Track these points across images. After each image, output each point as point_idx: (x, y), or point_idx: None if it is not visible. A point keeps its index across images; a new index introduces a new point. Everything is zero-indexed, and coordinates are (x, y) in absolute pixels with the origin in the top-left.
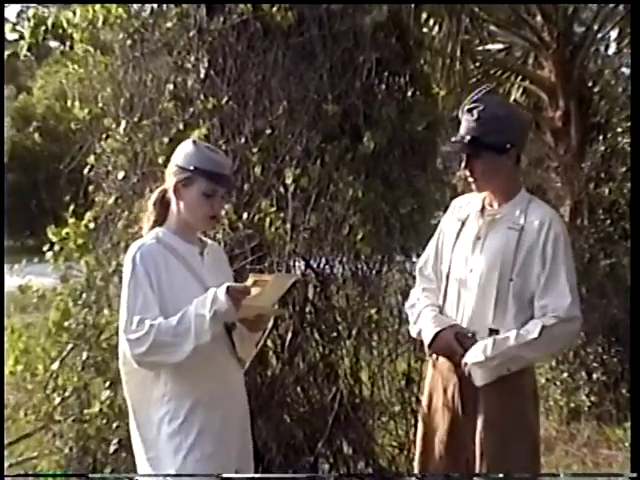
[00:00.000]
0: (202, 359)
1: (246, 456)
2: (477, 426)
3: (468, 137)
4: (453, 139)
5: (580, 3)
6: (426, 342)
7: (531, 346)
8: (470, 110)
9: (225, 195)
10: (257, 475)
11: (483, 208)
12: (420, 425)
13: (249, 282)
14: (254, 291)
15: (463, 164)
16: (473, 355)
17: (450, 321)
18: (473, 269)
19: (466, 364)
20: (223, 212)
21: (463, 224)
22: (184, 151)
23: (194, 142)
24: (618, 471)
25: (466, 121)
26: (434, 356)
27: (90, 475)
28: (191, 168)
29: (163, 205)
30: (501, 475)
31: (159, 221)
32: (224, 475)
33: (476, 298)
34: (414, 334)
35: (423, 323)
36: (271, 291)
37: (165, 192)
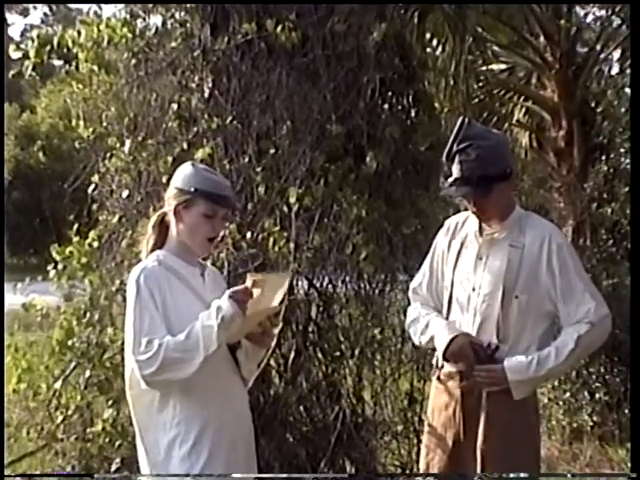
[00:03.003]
0: (210, 380)
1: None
2: (479, 441)
3: (474, 177)
4: (451, 181)
5: (580, 3)
6: (441, 347)
7: (570, 357)
8: (463, 150)
9: (226, 216)
10: (264, 475)
11: (481, 227)
12: (423, 442)
13: (248, 283)
14: (255, 292)
15: (471, 204)
16: (516, 372)
17: (463, 329)
18: (476, 288)
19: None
20: (227, 232)
21: (462, 244)
22: (183, 174)
23: (192, 164)
24: None
25: (463, 162)
26: (437, 373)
27: (95, 476)
28: (191, 190)
29: (162, 228)
30: (503, 475)
31: (158, 244)
32: (235, 475)
33: (480, 317)
34: (424, 341)
35: (436, 329)
36: (271, 292)
37: (164, 215)
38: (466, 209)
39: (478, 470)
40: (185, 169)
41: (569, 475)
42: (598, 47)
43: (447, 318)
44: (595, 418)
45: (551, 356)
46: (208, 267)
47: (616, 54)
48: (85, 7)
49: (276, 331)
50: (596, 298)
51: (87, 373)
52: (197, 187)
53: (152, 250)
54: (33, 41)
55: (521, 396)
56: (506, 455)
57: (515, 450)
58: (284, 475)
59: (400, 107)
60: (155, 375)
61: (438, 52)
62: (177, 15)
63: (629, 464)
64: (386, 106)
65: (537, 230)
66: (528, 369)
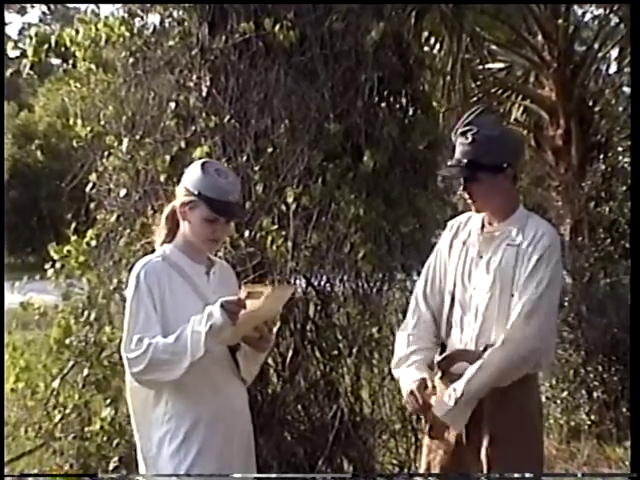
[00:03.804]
0: (203, 378)
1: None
2: (483, 444)
3: (465, 160)
4: (449, 163)
5: (581, 3)
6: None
7: (483, 369)
8: (464, 133)
9: (230, 220)
10: (264, 475)
11: (483, 227)
12: (424, 442)
13: (242, 294)
14: (249, 303)
15: (461, 187)
16: (440, 409)
17: (465, 330)
18: (477, 287)
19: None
20: None
21: (464, 243)
22: (192, 173)
23: (203, 165)
24: None
25: (461, 144)
26: (438, 372)
27: (99, 475)
28: (195, 193)
29: (174, 221)
30: (505, 475)
31: (169, 237)
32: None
33: (481, 316)
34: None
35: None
36: (270, 303)
37: (175, 209)
38: (464, 211)
39: (484, 469)
40: (195, 169)
41: (577, 475)
42: (596, 46)
43: (449, 318)
44: (593, 417)
45: (465, 376)
46: (217, 264)
47: (614, 53)
48: (83, 6)
49: (274, 330)
50: (531, 313)
51: (85, 372)
52: (201, 191)
53: (163, 242)
54: (31, 39)
55: (460, 426)
56: (508, 458)
57: (517, 453)
58: (274, 475)
59: (398, 106)
60: (142, 374)
61: (435, 51)
62: (175, 14)
63: (627, 463)
64: (384, 105)
65: (533, 229)
66: (448, 400)
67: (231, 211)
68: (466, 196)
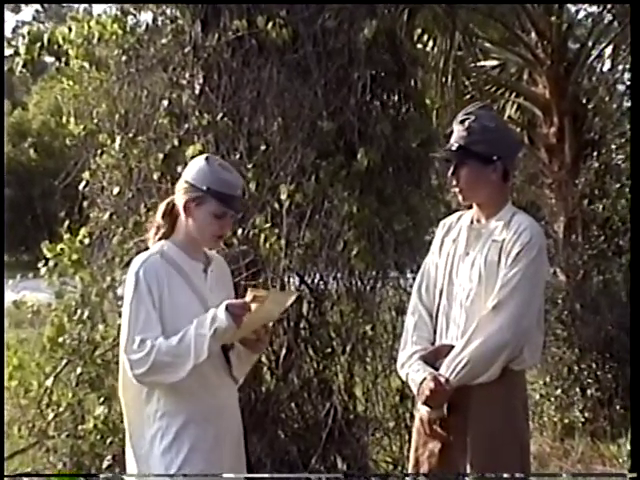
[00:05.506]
0: (196, 377)
1: (239, 473)
2: (468, 439)
3: (456, 145)
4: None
5: (581, 3)
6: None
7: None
8: (462, 121)
9: (235, 215)
10: (257, 475)
11: (472, 224)
12: (413, 437)
13: (248, 298)
14: (254, 307)
15: (450, 172)
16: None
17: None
18: (462, 283)
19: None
20: None
21: (454, 240)
22: (197, 168)
23: (207, 159)
24: None
25: (457, 131)
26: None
27: (101, 476)
28: (203, 188)
29: (171, 218)
30: (504, 475)
31: (166, 234)
32: (225, 475)
33: (465, 313)
34: (403, 375)
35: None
36: (270, 307)
37: (173, 205)
38: (457, 209)
39: (468, 469)
40: (199, 163)
41: (566, 474)
42: (590, 43)
43: (437, 314)
44: (587, 414)
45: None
46: (213, 261)
47: (608, 50)
48: (76, 4)
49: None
50: (510, 310)
51: (78, 370)
52: (209, 186)
53: (160, 238)
54: (24, 38)
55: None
56: (492, 453)
57: (501, 449)
58: (278, 475)
59: (391, 103)
60: (145, 376)
61: (429, 48)
62: (168, 12)
63: (620, 460)
64: (377, 102)
65: (516, 225)
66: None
67: (238, 205)
68: (453, 183)
